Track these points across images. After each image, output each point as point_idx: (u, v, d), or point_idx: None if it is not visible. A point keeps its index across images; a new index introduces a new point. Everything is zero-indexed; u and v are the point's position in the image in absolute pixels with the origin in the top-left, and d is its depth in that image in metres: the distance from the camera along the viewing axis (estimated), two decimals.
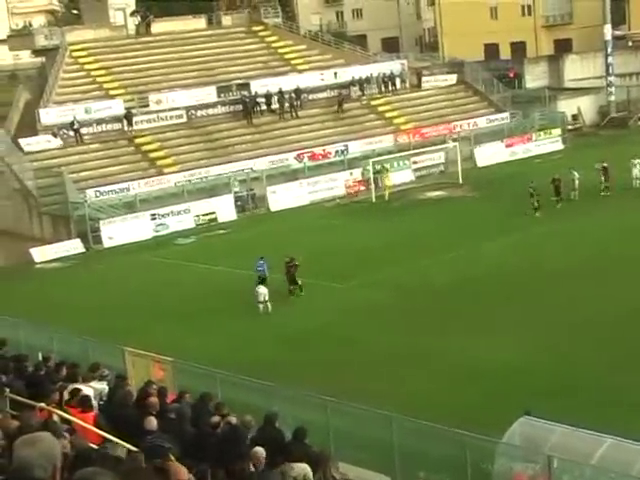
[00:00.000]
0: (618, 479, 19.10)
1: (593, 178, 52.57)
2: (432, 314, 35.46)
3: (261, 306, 37.38)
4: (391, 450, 21.57)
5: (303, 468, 12.72)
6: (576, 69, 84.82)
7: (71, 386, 15.67)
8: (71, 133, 61.62)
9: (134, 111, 64.34)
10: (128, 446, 12.55)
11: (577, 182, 52.59)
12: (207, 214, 56.74)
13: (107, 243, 53.05)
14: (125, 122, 63.60)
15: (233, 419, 14.86)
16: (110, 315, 38.55)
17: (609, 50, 79.71)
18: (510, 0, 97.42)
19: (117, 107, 64.27)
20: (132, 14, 77.89)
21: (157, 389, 16.34)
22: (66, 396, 14.98)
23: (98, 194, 56.30)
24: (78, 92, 66.12)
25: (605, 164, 52.82)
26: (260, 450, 12.72)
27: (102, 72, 68.92)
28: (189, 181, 59.65)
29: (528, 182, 51.20)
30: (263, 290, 37.55)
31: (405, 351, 31.76)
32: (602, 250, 42.19)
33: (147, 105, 65.39)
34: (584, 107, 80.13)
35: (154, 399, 15.22)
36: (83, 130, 62.06)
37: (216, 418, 14.62)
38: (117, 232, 53.46)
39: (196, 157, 63.31)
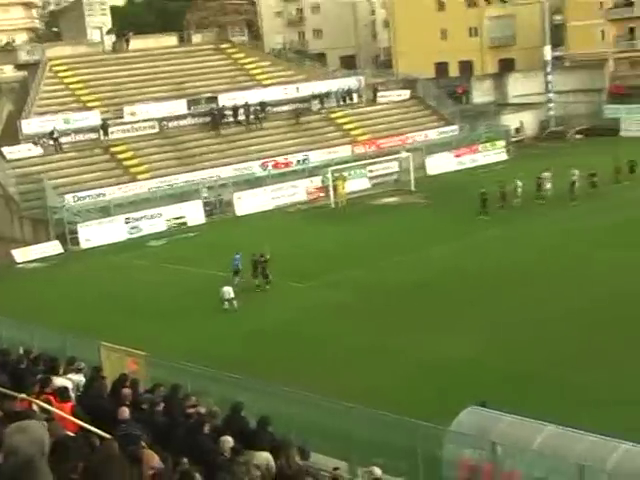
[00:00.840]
0: (555, 463, 19.12)
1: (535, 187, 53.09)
2: (389, 313, 35.43)
3: (227, 304, 37.21)
4: (349, 439, 21.49)
5: (265, 457, 12.59)
6: (519, 86, 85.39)
7: (50, 378, 15.46)
8: (51, 142, 61.14)
9: (110, 122, 63.97)
10: (103, 434, 12.39)
11: (520, 190, 52.88)
12: (178, 218, 56.57)
13: (84, 245, 52.73)
14: (101, 132, 63.23)
15: (202, 409, 14.72)
16: (87, 312, 38.24)
17: (548, 69, 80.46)
18: (459, 23, 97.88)
19: (94, 118, 63.81)
20: (110, 32, 77.57)
21: (131, 381, 16.18)
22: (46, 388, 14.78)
23: (76, 199, 55.90)
24: (58, 104, 65.63)
25: (541, 175, 53.22)
26: (228, 439, 12.59)
27: (80, 85, 68.48)
28: (160, 187, 59.36)
29: (476, 189, 51.63)
30: (227, 289, 37.34)
31: (364, 347, 31.69)
32: (546, 252, 42.45)
33: (122, 116, 65.01)
34: (526, 121, 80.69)
35: (127, 390, 15.09)
36: (62, 139, 61.60)
37: (186, 408, 14.48)
38: (93, 234, 53.18)
39: (167, 165, 63.07)
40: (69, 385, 15.31)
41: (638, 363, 28.02)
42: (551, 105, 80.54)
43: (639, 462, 18.25)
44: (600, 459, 18.37)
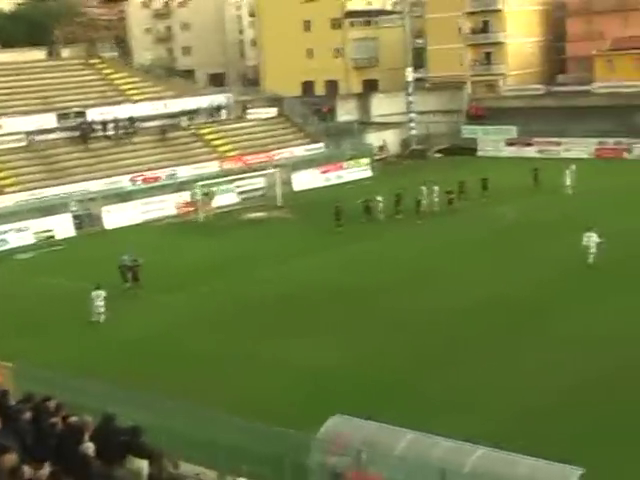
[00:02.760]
0: (417, 467, 19.55)
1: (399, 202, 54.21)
2: (255, 324, 35.52)
3: (98, 310, 36.62)
4: (216, 447, 21.47)
5: (138, 462, 12.53)
6: (382, 106, 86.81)
7: None
8: None
9: None
10: None
11: (381, 205, 53.88)
12: (46, 231, 55.41)
13: None
14: None
15: (73, 418, 14.49)
16: None
17: (410, 90, 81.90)
18: (324, 43, 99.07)
19: None
20: None
21: (1, 392, 15.79)
22: None
23: None
24: None
25: (399, 191, 54.36)
26: (90, 445, 12.49)
27: None
28: (29, 200, 58.08)
29: (334, 203, 52.53)
30: (98, 293, 36.60)
31: (231, 355, 31.76)
32: (404, 264, 43.27)
33: None
34: (389, 140, 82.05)
35: None
36: None
37: (55, 419, 14.22)
38: None
39: (36, 178, 61.72)
40: None
41: (483, 369, 28.92)
42: (413, 125, 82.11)
43: (493, 466, 18.79)
44: (458, 463, 18.87)
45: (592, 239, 40.75)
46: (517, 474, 18.39)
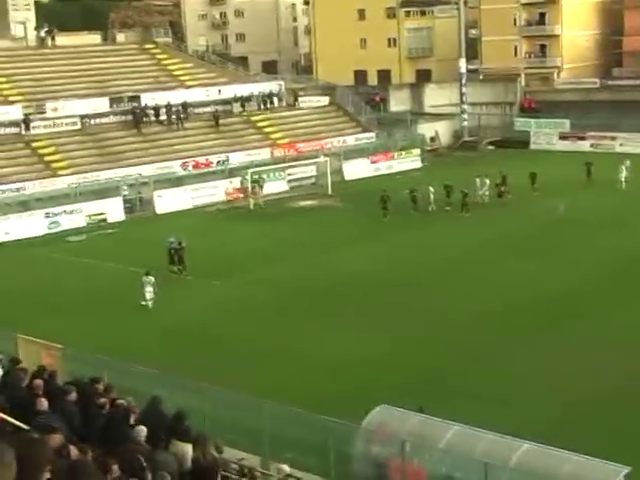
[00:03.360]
0: (460, 460, 19.48)
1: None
2: (304, 313, 35.57)
3: (147, 296, 36.79)
4: (261, 433, 21.55)
5: (183, 447, 12.61)
6: (435, 96, 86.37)
7: None
8: None
9: (32, 117, 63.03)
10: (21, 425, 12.25)
11: (432, 196, 53.60)
12: (98, 214, 55.86)
13: (3, 238, 51.66)
14: (23, 127, 62.19)
15: (119, 401, 14.63)
16: (4, 305, 37.52)
17: (463, 81, 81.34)
18: (378, 33, 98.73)
19: (15, 112, 62.82)
20: (38, 27, 76.53)
21: (49, 373, 15.99)
22: None
23: None
24: None
25: (448, 183, 54.07)
26: (142, 428, 12.57)
27: (2, 80, 67.26)
28: (81, 183, 58.61)
29: (392, 194, 52.38)
30: (150, 289, 36.79)
31: (277, 346, 31.79)
32: (456, 256, 43.06)
33: (44, 112, 64.06)
34: (441, 131, 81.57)
35: (39, 381, 14.88)
36: None
37: (103, 399, 14.37)
38: (12, 228, 52.21)
39: (89, 161, 62.32)
40: None
41: (536, 364, 28.69)
42: (465, 116, 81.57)
43: (538, 461, 18.66)
44: (503, 458, 18.76)
45: None
46: (562, 471, 18.23)
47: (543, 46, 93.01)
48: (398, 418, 21.17)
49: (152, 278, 36.92)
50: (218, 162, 65.26)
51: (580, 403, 25.70)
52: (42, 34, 74.82)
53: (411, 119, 79.40)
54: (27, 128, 62.28)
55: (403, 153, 72.32)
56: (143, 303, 36.88)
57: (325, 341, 31.86)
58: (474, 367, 28.80)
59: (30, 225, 52.77)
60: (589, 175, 59.99)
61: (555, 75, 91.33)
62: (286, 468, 18.84)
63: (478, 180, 55.44)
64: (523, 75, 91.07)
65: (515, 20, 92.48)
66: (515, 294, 36.33)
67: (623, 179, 57.58)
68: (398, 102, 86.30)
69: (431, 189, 53.76)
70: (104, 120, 66.44)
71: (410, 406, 21.76)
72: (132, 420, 13.38)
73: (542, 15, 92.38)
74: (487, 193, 55.11)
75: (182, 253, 41.82)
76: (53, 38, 74.49)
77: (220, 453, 13.76)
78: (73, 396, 14.35)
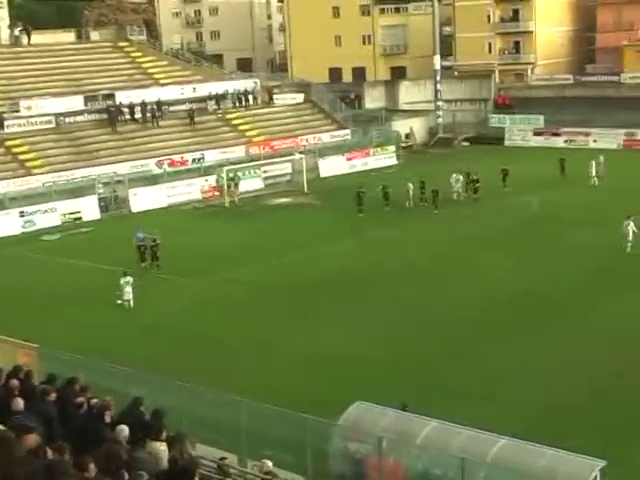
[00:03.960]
0: (437, 456, 19.53)
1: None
2: (280, 309, 35.57)
3: (124, 295, 36.57)
4: (239, 431, 21.52)
5: (158, 445, 12.58)
6: (409, 93, 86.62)
7: None
8: None
9: (6, 115, 62.60)
10: None
11: (411, 192, 53.73)
12: (73, 213, 55.67)
13: None
14: None
15: (94, 400, 14.58)
16: None
17: (438, 78, 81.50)
18: (353, 30, 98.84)
19: None
20: (11, 26, 76.14)
21: (24, 372, 15.90)
22: None
23: None
24: None
25: (423, 179, 54.19)
26: (124, 427, 12.54)
27: None
28: (56, 182, 58.24)
29: (368, 191, 52.47)
30: (128, 289, 36.52)
31: (253, 343, 31.79)
32: (432, 253, 43.17)
33: (18, 110, 63.65)
34: (416, 127, 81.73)
35: (15, 381, 14.75)
36: None
37: (81, 398, 14.31)
38: None
39: (63, 160, 62.00)
40: None
41: (508, 360, 28.83)
42: (440, 113, 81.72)
43: (514, 456, 18.74)
44: (480, 453, 18.82)
45: (630, 227, 40.57)
46: (538, 465, 18.32)
47: (517, 43, 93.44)
48: (375, 414, 21.20)
49: (130, 278, 36.72)
50: (193, 160, 65.10)
51: (561, 400, 25.78)
52: (16, 32, 74.47)
53: (386, 116, 79.52)
54: (1, 127, 61.83)
55: (378, 150, 72.41)
56: (119, 302, 36.72)
57: (303, 338, 31.88)
58: (455, 364, 28.82)
59: (4, 224, 52.45)
60: (563, 171, 60.31)
61: (529, 71, 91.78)
62: (269, 463, 18.86)
63: (454, 176, 55.61)
64: (497, 71, 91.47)
65: (489, 17, 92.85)
66: (493, 291, 36.43)
67: (594, 174, 57.85)
68: (373, 99, 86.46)
69: (410, 185, 53.86)
70: (79, 118, 66.10)
71: (393, 404, 21.79)
72: (108, 419, 13.34)
73: (515, 12, 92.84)
74: (461, 190, 55.29)
75: (157, 250, 41.95)
76: (28, 36, 74.17)
77: (192, 449, 13.75)
78: (52, 396, 14.30)
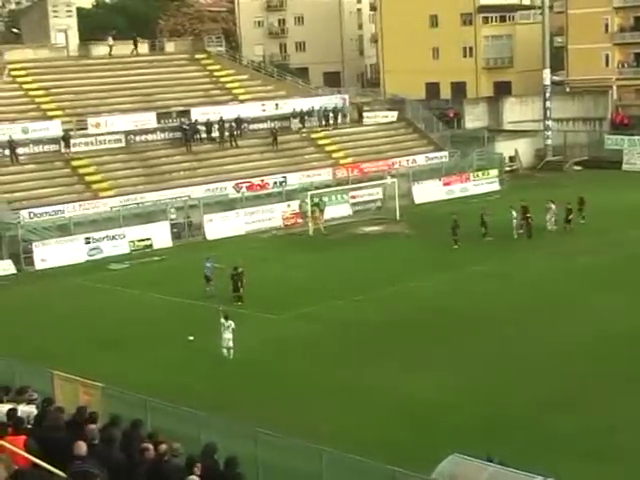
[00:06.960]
0: None
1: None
2: (365, 349, 35.50)
3: (225, 351, 35.08)
4: None
5: None
6: (515, 111, 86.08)
7: (6, 407, 15.42)
8: (7, 152, 61.03)
9: (72, 133, 63.94)
10: (56, 471, 12.41)
11: (515, 222, 53.36)
12: (142, 240, 56.46)
13: (39, 265, 52.46)
14: (62, 144, 63.12)
15: (163, 446, 14.75)
16: (39, 338, 38.12)
17: (547, 95, 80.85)
18: (452, 41, 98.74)
19: (55, 128, 63.78)
20: (103, 38, 78.26)
21: (90, 414, 16.15)
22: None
23: (32, 215, 55.71)
24: (15, 111, 65.78)
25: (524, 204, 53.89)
26: (195, 478, 12.66)
27: (41, 93, 68.65)
28: (125, 206, 59.18)
29: (467, 221, 52.31)
30: (228, 335, 34.74)
31: (335, 385, 31.76)
32: (533, 291, 42.74)
33: (85, 128, 64.99)
34: (521, 149, 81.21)
35: (93, 426, 14.79)
36: (19, 150, 61.49)
37: (146, 444, 14.49)
38: (50, 254, 52.94)
39: (133, 182, 62.97)
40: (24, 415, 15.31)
41: (619, 411, 28.31)
42: (549, 133, 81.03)
43: None
44: None
45: None
46: None
47: (638, 55, 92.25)
48: (472, 469, 20.99)
49: (232, 322, 34.87)
50: (275, 184, 65.53)
51: None
52: (110, 42, 76.67)
53: (488, 136, 79.10)
54: (67, 145, 63.20)
55: (479, 174, 72.04)
56: (225, 352, 35.02)
57: (391, 382, 31.76)
58: (554, 413, 28.41)
59: (69, 251, 53.51)
60: None
61: None
62: None
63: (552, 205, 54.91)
64: (615, 87, 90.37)
65: (607, 26, 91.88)
66: (606, 333, 35.84)
67: None
68: (474, 118, 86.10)
69: (514, 214, 53.48)
70: (150, 137, 67.21)
71: (480, 455, 21.59)
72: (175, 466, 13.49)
73: (637, 20, 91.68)
74: (553, 220, 54.61)
75: (238, 279, 42.33)
76: (135, 46, 77.39)
77: None
78: (118, 441, 14.48)
